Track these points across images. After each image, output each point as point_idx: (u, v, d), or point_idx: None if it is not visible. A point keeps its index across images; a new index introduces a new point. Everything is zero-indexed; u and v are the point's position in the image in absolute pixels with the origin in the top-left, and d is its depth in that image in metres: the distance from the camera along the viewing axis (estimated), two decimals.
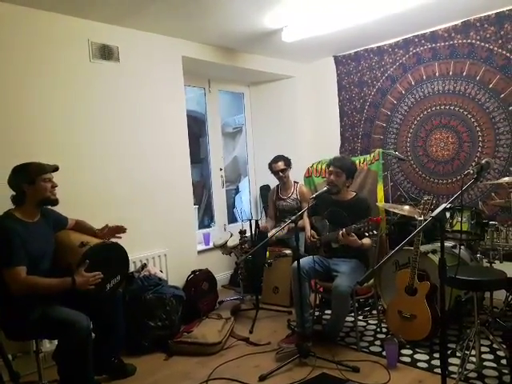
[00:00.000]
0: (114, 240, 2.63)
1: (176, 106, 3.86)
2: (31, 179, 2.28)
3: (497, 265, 2.96)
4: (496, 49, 3.58)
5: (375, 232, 2.70)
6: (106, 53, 3.36)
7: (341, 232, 2.77)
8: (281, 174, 4.12)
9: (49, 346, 2.81)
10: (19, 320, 2.21)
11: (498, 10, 3.52)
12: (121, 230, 2.73)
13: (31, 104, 2.97)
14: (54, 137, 3.08)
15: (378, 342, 2.96)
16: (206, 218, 5.26)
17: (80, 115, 3.22)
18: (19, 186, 2.28)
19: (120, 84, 3.45)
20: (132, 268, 3.36)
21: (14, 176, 2.29)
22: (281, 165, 4.11)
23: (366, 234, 2.69)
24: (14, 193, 2.30)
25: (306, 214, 3.27)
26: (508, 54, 3.52)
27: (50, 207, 2.45)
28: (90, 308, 2.35)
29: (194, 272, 3.79)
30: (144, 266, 3.41)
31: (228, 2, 3.07)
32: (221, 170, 4.85)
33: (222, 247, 3.92)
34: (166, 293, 3.17)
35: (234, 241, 3.88)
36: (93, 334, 2.35)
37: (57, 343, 2.29)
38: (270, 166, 4.19)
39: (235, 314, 3.60)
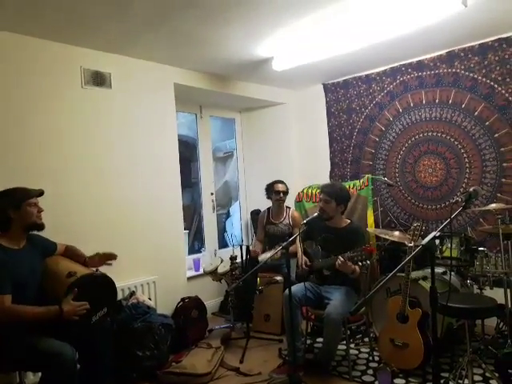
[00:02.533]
0: (104, 268, 2.59)
1: (167, 131, 3.88)
2: (17, 204, 2.25)
3: (487, 291, 2.97)
4: (480, 78, 3.69)
5: (368, 262, 2.70)
6: (99, 79, 3.39)
7: (339, 260, 2.76)
8: (281, 195, 4.12)
9: (32, 378, 2.72)
10: (2, 350, 2.13)
11: (482, 41, 3.64)
12: (112, 256, 2.67)
13: (21, 129, 2.96)
14: (44, 161, 3.06)
15: (370, 371, 2.91)
16: (196, 242, 5.22)
17: (71, 140, 3.22)
18: (4, 211, 2.24)
19: (112, 110, 3.47)
20: (120, 296, 3.30)
21: None
22: (283, 187, 4.14)
23: (360, 264, 2.69)
24: None
25: (298, 239, 3.26)
26: (492, 83, 3.63)
27: (37, 233, 2.40)
28: (75, 338, 2.28)
29: (183, 299, 3.73)
30: (132, 293, 3.35)
31: (219, 32, 3.14)
32: (212, 194, 4.84)
33: (212, 273, 3.87)
34: (154, 321, 3.10)
35: (224, 267, 3.84)
36: (78, 365, 2.29)
37: (41, 375, 2.20)
38: (272, 186, 4.16)
39: (225, 342, 3.53)
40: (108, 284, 2.47)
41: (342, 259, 2.73)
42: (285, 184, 4.18)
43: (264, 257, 3.82)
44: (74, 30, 2.95)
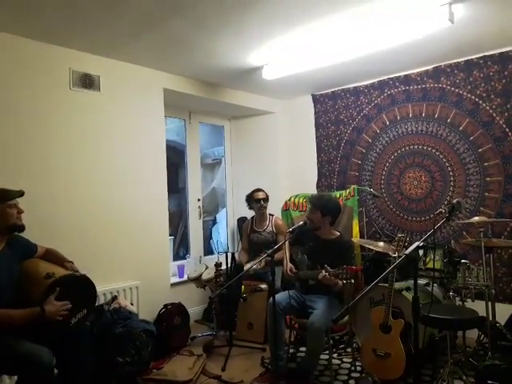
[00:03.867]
0: (85, 271, 2.54)
1: (155, 136, 3.86)
2: None
3: (469, 303, 3.00)
4: (465, 94, 3.77)
5: (352, 281, 2.71)
6: (87, 81, 3.37)
7: (321, 274, 2.76)
8: (262, 202, 4.15)
9: (8, 381, 2.64)
10: None
11: (467, 58, 3.72)
12: None
13: (6, 128, 2.92)
14: (29, 162, 3.02)
15: (352, 381, 2.91)
16: (181, 249, 5.18)
17: (57, 141, 3.18)
18: None
19: (100, 113, 3.44)
20: (102, 300, 3.25)
21: None
22: (262, 194, 4.19)
23: (344, 282, 2.71)
24: None
25: (286, 246, 3.27)
26: (476, 100, 3.71)
27: (18, 234, 2.36)
28: (54, 342, 2.23)
29: (166, 306, 3.69)
30: (114, 298, 3.30)
31: (210, 39, 3.16)
32: (198, 200, 4.82)
33: (197, 280, 3.84)
34: (136, 327, 3.05)
35: (208, 274, 3.82)
36: (56, 370, 2.23)
37: (16, 379, 2.15)
38: (251, 195, 4.22)
39: (208, 350, 3.49)
40: (87, 285, 2.44)
41: (324, 274, 2.75)
42: (264, 191, 4.23)
43: (249, 265, 3.81)
44: (63, 31, 2.94)
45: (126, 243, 3.56)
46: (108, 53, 3.40)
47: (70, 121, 3.26)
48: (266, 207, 4.22)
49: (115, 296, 3.33)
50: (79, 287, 2.40)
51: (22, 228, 2.33)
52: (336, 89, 4.65)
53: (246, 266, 3.87)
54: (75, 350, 2.41)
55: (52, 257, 2.56)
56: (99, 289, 2.53)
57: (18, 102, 2.99)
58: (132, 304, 3.43)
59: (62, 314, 2.19)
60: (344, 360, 3.27)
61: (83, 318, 2.40)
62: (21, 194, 2.34)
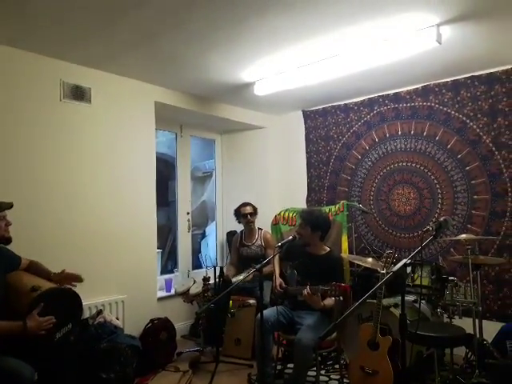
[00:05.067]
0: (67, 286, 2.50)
1: (146, 149, 3.85)
2: None
3: (456, 320, 3.00)
4: (453, 113, 3.83)
5: (341, 298, 2.70)
6: (78, 93, 3.36)
7: (305, 290, 2.75)
8: (249, 217, 4.15)
9: None
10: None
11: (455, 78, 3.80)
12: (77, 278, 2.56)
13: None
14: (17, 174, 2.99)
15: None
16: (169, 262, 5.13)
17: (46, 153, 3.16)
18: None
19: (90, 125, 3.43)
20: (87, 314, 3.19)
21: None
22: (249, 209, 4.20)
23: (335, 298, 2.70)
24: None
25: (275, 261, 3.25)
26: (464, 118, 3.77)
27: (3, 246, 2.33)
28: (36, 357, 2.18)
29: (152, 321, 3.63)
30: (99, 312, 3.24)
31: (202, 54, 3.19)
32: (188, 213, 4.80)
33: (184, 295, 3.81)
34: (121, 342, 3.00)
35: (196, 288, 3.78)
36: None
37: None
38: (238, 209, 4.24)
39: (194, 366, 3.43)
40: (73, 299, 2.40)
41: (308, 291, 2.74)
42: (252, 205, 4.25)
43: (237, 279, 3.79)
44: (55, 42, 2.94)
45: (112, 256, 3.52)
46: (100, 65, 3.41)
47: (60, 132, 3.24)
48: (253, 221, 4.22)
49: (100, 310, 3.27)
50: (64, 301, 2.36)
51: (9, 240, 2.32)
52: (326, 105, 4.70)
53: (234, 279, 3.84)
54: (58, 365, 2.37)
55: (36, 269, 2.52)
56: (84, 302, 2.49)
57: (7, 112, 2.97)
58: (117, 318, 3.36)
59: (46, 328, 2.14)
60: (332, 377, 3.23)
61: (68, 332, 2.35)
62: (10, 206, 2.31)
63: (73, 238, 3.26)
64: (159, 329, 3.57)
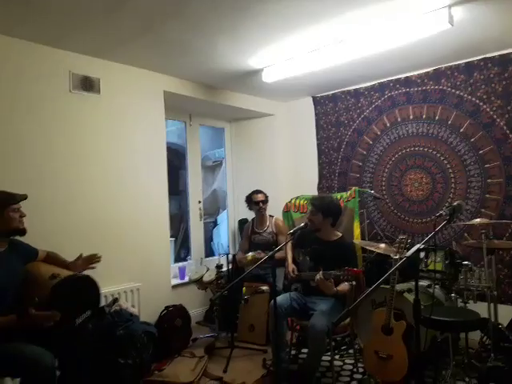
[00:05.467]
0: (87, 272, 2.55)
1: (156, 139, 3.87)
2: None
3: (471, 305, 3.00)
4: (466, 96, 3.77)
5: (354, 283, 2.71)
6: (87, 84, 3.37)
7: (318, 276, 2.77)
8: (261, 204, 4.16)
9: (11, 383, 2.64)
10: None
11: (468, 60, 3.73)
12: (94, 258, 2.64)
13: (6, 132, 2.92)
14: (29, 165, 3.02)
15: (354, 383, 2.90)
16: (182, 251, 5.18)
17: (57, 144, 3.18)
18: None
19: (100, 115, 3.45)
20: (103, 302, 3.24)
21: None
22: (261, 196, 4.21)
23: (348, 284, 2.71)
24: None
25: (288, 248, 3.27)
26: (477, 101, 3.71)
27: (18, 238, 2.37)
28: (56, 344, 2.23)
29: (167, 308, 3.69)
30: (115, 300, 3.29)
31: (210, 43, 3.17)
32: (199, 202, 4.83)
33: (198, 282, 3.85)
34: (137, 329, 3.05)
35: (210, 275, 3.82)
36: (58, 372, 2.23)
37: (20, 382, 2.14)
38: (250, 197, 4.25)
39: (209, 352, 3.49)
40: (92, 286, 2.45)
41: (321, 276, 2.75)
42: (263, 193, 4.25)
43: (250, 255, 3.82)
44: (63, 33, 2.94)
45: (127, 245, 3.56)
46: (108, 55, 3.41)
47: (70, 123, 3.26)
48: (265, 209, 4.23)
49: (116, 298, 3.32)
50: (83, 288, 2.40)
51: (23, 232, 2.34)
52: (336, 91, 4.66)
53: (247, 255, 3.85)
54: (77, 351, 2.41)
55: (53, 260, 2.57)
56: (101, 291, 2.53)
57: (19, 105, 2.99)
58: (133, 306, 3.43)
59: (46, 321, 2.14)
60: (346, 362, 3.26)
61: (87, 319, 2.40)
62: (24, 197, 2.34)
63: (87, 228, 3.30)
64: (174, 315, 3.63)
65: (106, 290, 3.29)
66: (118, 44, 3.18)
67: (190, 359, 3.19)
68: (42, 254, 2.56)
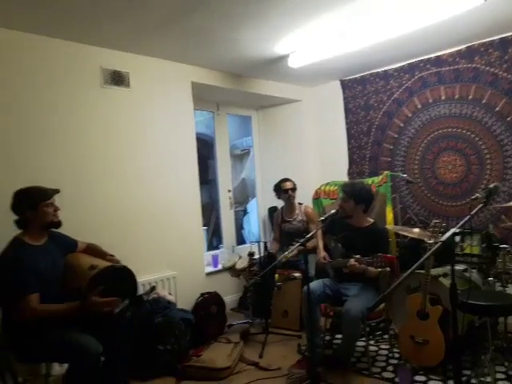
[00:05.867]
0: (125, 262, 2.63)
1: (185, 129, 3.92)
2: (33, 205, 2.30)
3: (510, 288, 2.92)
4: (501, 73, 3.63)
5: (387, 269, 2.68)
6: (117, 78, 3.44)
7: (351, 260, 2.77)
8: (290, 192, 4.14)
9: (58, 369, 2.79)
10: (30, 343, 2.20)
11: (502, 36, 3.58)
12: None
13: (42, 129, 3.02)
14: (64, 161, 3.12)
15: (390, 368, 2.91)
16: (214, 239, 5.27)
17: (91, 139, 3.28)
18: (22, 211, 2.30)
19: (130, 109, 3.52)
20: (141, 291, 3.35)
21: (17, 202, 2.31)
22: (289, 184, 4.17)
23: (379, 270, 2.69)
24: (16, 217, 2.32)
25: (319, 235, 3.27)
26: None
27: (57, 230, 2.47)
28: (100, 332, 2.32)
29: (202, 295, 3.78)
30: (153, 288, 3.40)
31: (235, 30, 3.17)
32: (229, 191, 4.88)
33: (231, 270, 3.91)
34: (174, 316, 3.16)
35: (242, 263, 3.88)
36: (102, 358, 2.34)
37: (67, 367, 2.26)
38: (279, 185, 4.21)
39: (244, 338, 3.56)
40: (129, 276, 2.52)
41: (353, 262, 2.75)
42: (291, 181, 4.21)
43: (282, 256, 3.83)
44: (93, 29, 3.00)
45: (162, 235, 3.66)
46: (136, 49, 3.46)
47: (103, 117, 3.35)
48: (294, 197, 4.20)
49: (154, 286, 3.43)
50: (121, 278, 2.48)
51: (58, 224, 2.42)
52: (365, 73, 4.57)
53: (279, 256, 3.89)
54: (118, 338, 2.50)
55: (93, 251, 2.66)
56: (138, 280, 2.62)
57: (55, 101, 3.09)
58: (170, 294, 3.53)
59: (105, 306, 2.26)
60: (381, 347, 3.26)
61: (125, 308, 2.49)
62: (56, 192, 2.41)
63: (124, 220, 3.41)
64: (209, 302, 3.71)
65: (144, 278, 3.40)
66: (145, 37, 3.22)
67: (226, 345, 3.27)
68: (81, 246, 2.65)
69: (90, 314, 2.22)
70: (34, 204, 2.30)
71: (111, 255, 2.66)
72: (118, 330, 2.49)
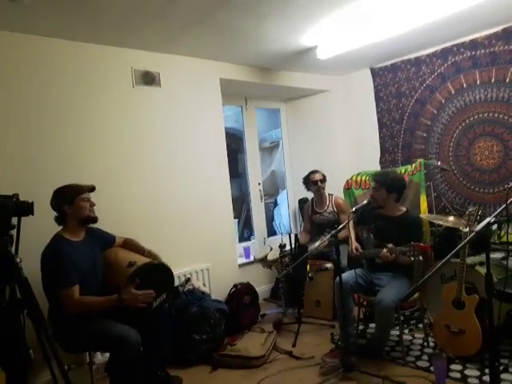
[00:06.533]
0: (161, 255, 2.73)
1: (214, 125, 3.98)
2: (70, 200, 2.41)
3: None
4: None
5: (421, 258, 2.65)
6: (148, 79, 3.52)
7: (384, 250, 2.75)
8: (319, 183, 4.12)
9: (101, 358, 2.94)
10: (73, 335, 2.32)
11: None
12: None
13: (77, 130, 3.13)
14: (99, 160, 3.22)
15: (425, 357, 2.88)
16: (245, 231, 5.33)
17: (125, 139, 3.37)
18: (60, 207, 2.41)
19: (162, 107, 3.60)
20: (177, 282, 3.45)
21: (55, 198, 2.43)
22: (318, 175, 4.14)
23: (412, 259, 2.67)
24: (56, 214, 2.44)
25: (350, 225, 3.26)
26: None
27: (95, 226, 2.57)
28: (140, 323, 2.41)
29: (235, 285, 3.85)
30: (188, 280, 3.51)
31: (260, 25, 3.17)
32: (259, 184, 4.92)
33: (263, 261, 3.96)
34: (209, 306, 3.24)
35: (273, 254, 3.92)
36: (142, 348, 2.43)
37: (109, 356, 2.37)
38: (308, 177, 4.20)
39: (277, 327, 3.61)
40: (166, 271, 2.60)
41: (385, 252, 2.74)
42: (320, 172, 4.17)
43: (313, 246, 3.84)
44: (122, 32, 3.07)
45: (195, 229, 3.75)
46: (165, 49, 3.53)
47: (135, 118, 3.43)
48: (324, 188, 4.16)
49: (189, 278, 3.53)
50: (158, 273, 2.57)
51: (94, 220, 2.52)
52: (395, 60, 4.47)
53: (310, 248, 3.90)
54: (157, 329, 2.60)
55: (130, 246, 2.76)
56: (174, 272, 2.69)
57: (92, 103, 3.20)
58: (204, 285, 3.62)
59: (146, 301, 2.35)
60: (416, 336, 3.23)
61: (163, 302, 2.58)
62: (91, 188, 2.51)
63: (159, 216, 3.51)
64: (242, 293, 3.78)
65: (179, 270, 3.50)
66: (173, 37, 3.28)
67: (259, 334, 3.32)
68: (119, 241, 2.76)
69: (128, 307, 2.31)
70: (70, 199, 2.41)
71: (149, 250, 2.76)
72: (158, 322, 2.59)
